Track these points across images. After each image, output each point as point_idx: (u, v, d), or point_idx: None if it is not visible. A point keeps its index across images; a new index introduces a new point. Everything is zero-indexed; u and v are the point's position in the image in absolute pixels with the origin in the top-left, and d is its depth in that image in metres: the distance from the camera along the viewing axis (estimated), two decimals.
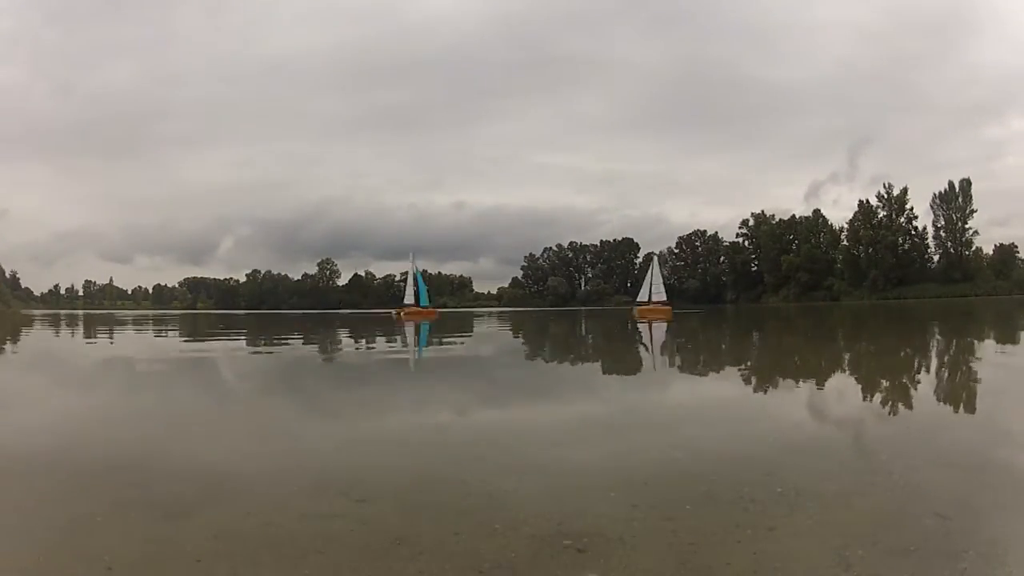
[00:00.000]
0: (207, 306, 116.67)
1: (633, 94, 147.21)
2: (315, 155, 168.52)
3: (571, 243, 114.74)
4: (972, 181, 75.16)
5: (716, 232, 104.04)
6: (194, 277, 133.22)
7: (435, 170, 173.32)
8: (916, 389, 6.89)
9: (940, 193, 76.83)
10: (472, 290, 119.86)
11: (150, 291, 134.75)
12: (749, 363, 10.65)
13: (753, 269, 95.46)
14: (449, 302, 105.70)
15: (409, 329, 23.18)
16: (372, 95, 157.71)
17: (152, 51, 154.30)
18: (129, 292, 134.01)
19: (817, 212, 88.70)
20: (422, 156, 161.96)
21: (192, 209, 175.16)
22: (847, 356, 11.62)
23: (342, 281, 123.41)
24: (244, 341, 18.01)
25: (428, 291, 44.53)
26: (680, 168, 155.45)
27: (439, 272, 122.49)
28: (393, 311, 43.43)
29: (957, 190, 75.94)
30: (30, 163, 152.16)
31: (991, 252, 77.06)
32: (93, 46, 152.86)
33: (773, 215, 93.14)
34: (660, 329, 21.79)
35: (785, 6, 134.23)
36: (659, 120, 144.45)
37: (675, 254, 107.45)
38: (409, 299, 42.64)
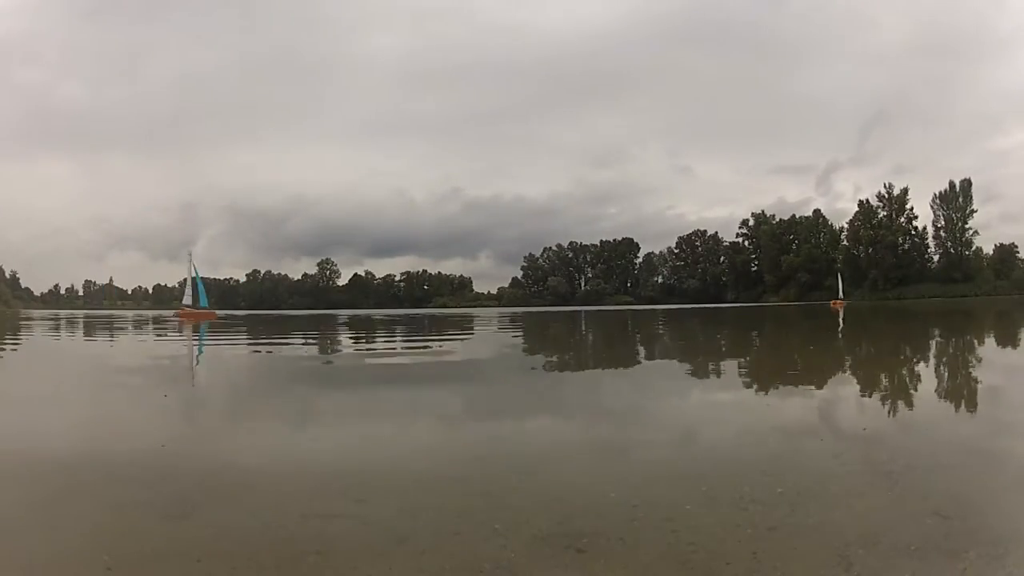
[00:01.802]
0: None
1: (642, 99, 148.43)
2: (321, 156, 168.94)
3: (571, 243, 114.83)
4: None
5: (716, 232, 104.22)
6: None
7: (443, 169, 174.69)
8: (916, 388, 6.88)
9: (940, 193, 76.98)
10: (472, 290, 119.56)
11: (150, 291, 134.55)
12: (750, 363, 10.64)
13: (753, 269, 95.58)
14: (449, 302, 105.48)
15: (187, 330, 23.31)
16: (391, 101, 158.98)
17: (182, 52, 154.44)
18: (129, 292, 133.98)
19: (817, 212, 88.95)
20: (430, 157, 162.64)
21: (186, 205, 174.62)
22: (847, 357, 11.61)
23: (342, 281, 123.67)
24: None
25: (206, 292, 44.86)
26: (686, 167, 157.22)
27: (438, 272, 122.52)
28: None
29: (957, 190, 76.01)
30: (46, 161, 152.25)
31: (991, 252, 77.21)
32: (124, 46, 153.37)
33: (774, 215, 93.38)
34: None
35: (798, 22, 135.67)
36: (666, 123, 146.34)
37: (675, 254, 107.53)
38: (187, 300, 42.25)
